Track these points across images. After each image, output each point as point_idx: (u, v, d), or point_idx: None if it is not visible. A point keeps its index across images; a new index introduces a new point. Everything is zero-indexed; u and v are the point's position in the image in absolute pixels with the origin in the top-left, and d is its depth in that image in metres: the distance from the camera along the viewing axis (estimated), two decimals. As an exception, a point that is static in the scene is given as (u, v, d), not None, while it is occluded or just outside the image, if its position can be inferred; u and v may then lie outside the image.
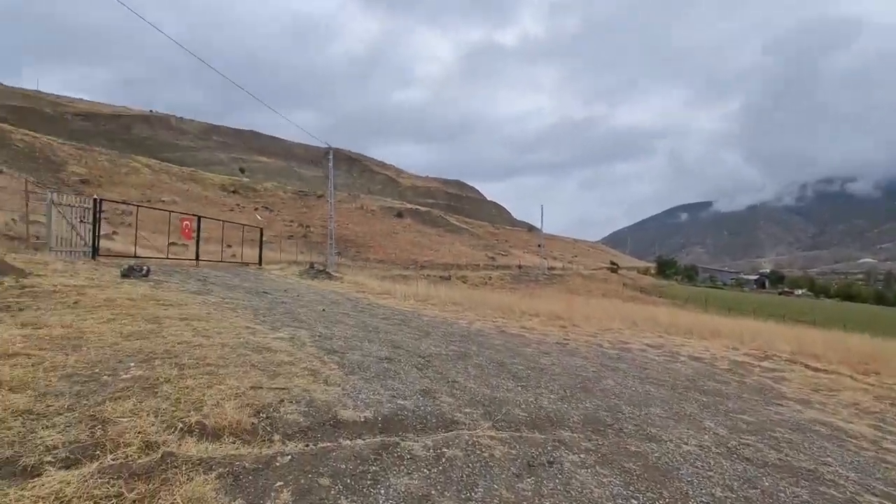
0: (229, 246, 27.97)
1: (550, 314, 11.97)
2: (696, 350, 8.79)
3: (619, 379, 5.56)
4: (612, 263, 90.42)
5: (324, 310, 8.34)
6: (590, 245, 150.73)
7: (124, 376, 3.53)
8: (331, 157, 31.33)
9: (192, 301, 7.14)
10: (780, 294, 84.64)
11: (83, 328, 4.69)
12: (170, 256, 14.28)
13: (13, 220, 18.24)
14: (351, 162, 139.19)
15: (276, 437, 2.91)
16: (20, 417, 2.72)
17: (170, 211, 16.99)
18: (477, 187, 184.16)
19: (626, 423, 3.89)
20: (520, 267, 58.91)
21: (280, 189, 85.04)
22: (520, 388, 4.60)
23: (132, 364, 3.82)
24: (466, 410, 3.76)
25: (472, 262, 61.49)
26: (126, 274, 8.46)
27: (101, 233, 24.67)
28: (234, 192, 75.01)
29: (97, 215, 10.70)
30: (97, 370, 3.60)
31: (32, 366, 3.50)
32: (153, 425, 2.76)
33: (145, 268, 8.82)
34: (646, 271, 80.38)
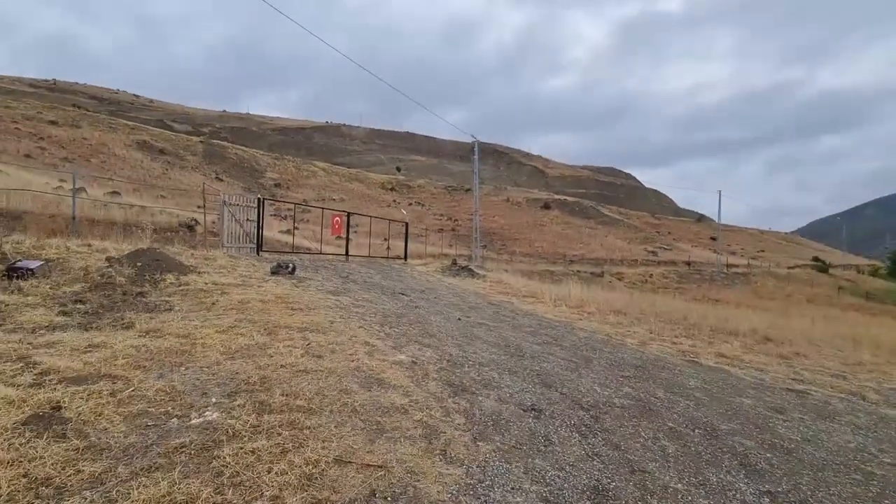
0: (385, 239, 29.69)
1: (755, 334, 8.93)
2: None
3: (958, 491, 3.07)
4: (817, 260, 72.48)
5: (459, 318, 7.21)
6: (782, 237, 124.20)
7: (195, 421, 2.75)
8: (476, 148, 30.77)
9: (324, 304, 6.67)
10: None
11: (197, 339, 4.28)
12: (323, 252, 15.02)
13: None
14: (498, 155, 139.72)
15: (342, 593, 1.68)
16: (32, 491, 2.00)
17: (322, 208, 18.15)
18: (634, 174, 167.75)
19: None
20: (689, 263, 50.81)
21: (431, 185, 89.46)
22: (767, 501, 2.64)
23: (213, 399, 3.07)
24: (682, 560, 2.04)
25: (629, 256, 55.33)
26: (275, 271, 8.60)
27: (284, 229, 28.09)
28: (391, 189, 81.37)
29: (261, 214, 11.47)
30: (172, 407, 2.90)
31: (111, 394, 2.96)
32: (168, 540, 1.78)
33: (291, 265, 8.90)
34: (874, 271, 61.62)
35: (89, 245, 8.05)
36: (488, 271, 18.88)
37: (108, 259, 7.10)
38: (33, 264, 6.21)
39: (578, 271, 36.37)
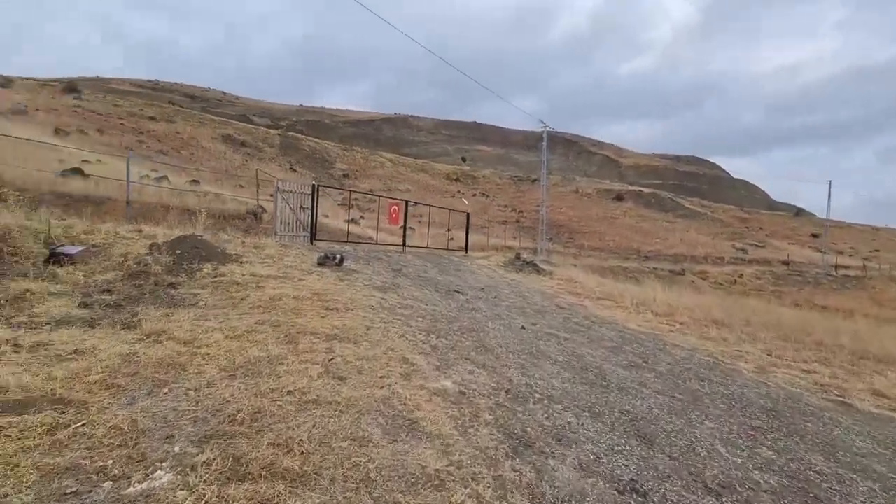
0: (447, 230, 28.96)
1: (913, 362, 6.85)
2: None
3: None
4: (951, 263, 61.24)
5: (523, 326, 6.04)
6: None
7: (133, 489, 1.90)
8: (545, 136, 28.90)
9: (365, 302, 5.81)
10: None
11: (201, 346, 3.54)
12: (380, 242, 14.40)
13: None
14: (567, 144, 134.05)
15: None
16: None
17: (379, 196, 17.54)
18: (719, 163, 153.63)
19: None
20: (786, 263, 44.93)
21: (496, 175, 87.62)
22: None
23: (176, 448, 2.22)
24: None
25: (714, 254, 50.16)
26: (321, 262, 7.95)
27: (349, 218, 28.26)
28: (456, 179, 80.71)
29: (315, 201, 10.97)
30: (116, 458, 2.09)
31: (48, 431, 2.21)
32: None
33: (339, 256, 8.21)
34: None
35: (140, 231, 7.86)
36: (555, 267, 17.35)
37: (150, 246, 6.78)
38: (73, 250, 5.95)
39: (655, 269, 33.32)
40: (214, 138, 60.36)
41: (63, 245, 6.15)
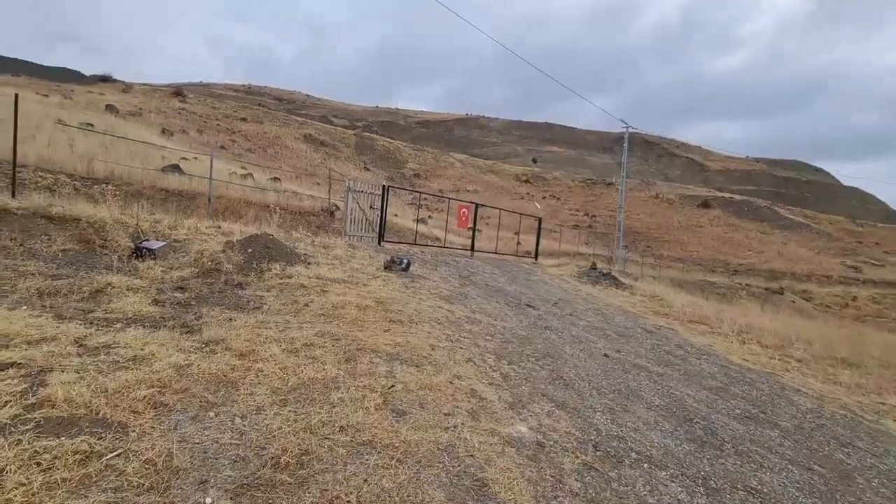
0: (516, 233, 28.14)
1: None
2: None
3: None
4: None
5: (606, 354, 5.30)
6: None
7: (149, 556, 1.58)
8: (626, 136, 27.09)
9: (431, 315, 5.41)
10: None
11: (258, 359, 3.30)
12: (448, 245, 14.05)
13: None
14: (646, 146, 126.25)
15: None
16: None
17: (449, 198, 17.20)
18: (826, 169, 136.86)
19: None
20: (913, 286, 38.46)
21: (568, 178, 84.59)
22: None
23: (208, 500, 1.90)
24: None
25: (818, 271, 44.39)
26: (388, 266, 7.71)
27: (418, 217, 28.39)
28: (525, 181, 79.07)
29: (385, 201, 10.85)
30: (141, 507, 1.80)
31: (80, 462, 1.98)
32: None
33: (405, 260, 7.91)
34: None
35: (219, 227, 8.11)
36: (635, 280, 15.98)
37: (225, 244, 6.90)
38: (155, 245, 6.16)
39: (748, 285, 30.01)
40: (297, 138, 64.06)
41: (148, 240, 6.40)
